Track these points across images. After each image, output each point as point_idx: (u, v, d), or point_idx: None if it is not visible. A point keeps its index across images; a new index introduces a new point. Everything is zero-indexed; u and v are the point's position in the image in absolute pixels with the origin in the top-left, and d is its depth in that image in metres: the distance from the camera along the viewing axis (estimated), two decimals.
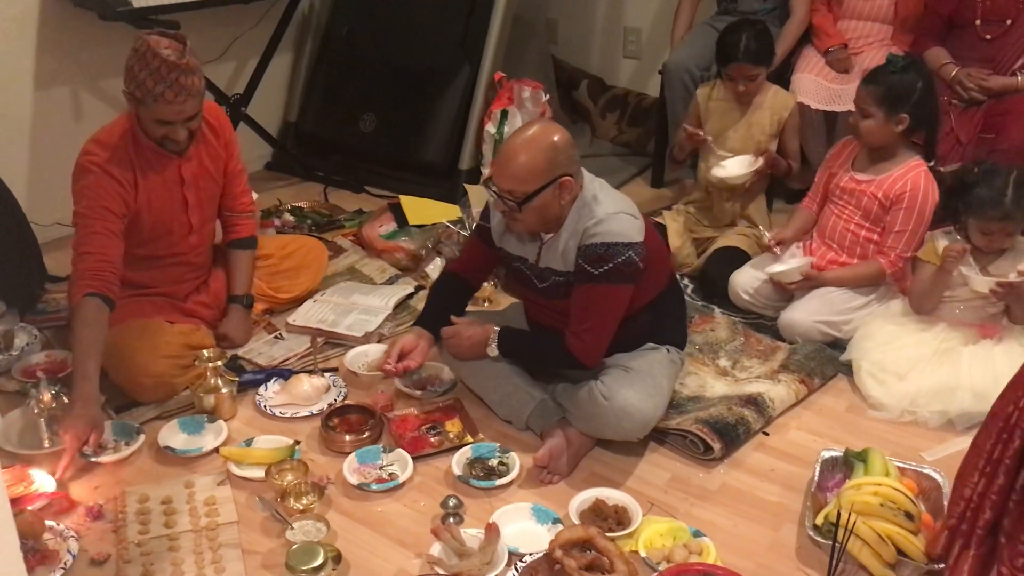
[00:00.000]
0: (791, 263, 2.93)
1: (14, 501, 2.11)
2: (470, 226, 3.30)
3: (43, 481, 2.20)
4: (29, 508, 2.09)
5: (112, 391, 2.55)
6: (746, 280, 3.06)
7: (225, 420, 2.48)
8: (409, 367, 2.45)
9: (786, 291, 2.96)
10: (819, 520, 2.07)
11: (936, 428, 2.51)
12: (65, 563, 1.99)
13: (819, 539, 2.03)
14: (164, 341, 2.56)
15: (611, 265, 2.19)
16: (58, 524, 2.09)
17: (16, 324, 2.80)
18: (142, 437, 2.38)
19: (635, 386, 2.26)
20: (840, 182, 2.93)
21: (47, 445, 2.35)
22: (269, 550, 2.06)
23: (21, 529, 1.99)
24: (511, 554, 2.01)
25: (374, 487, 2.24)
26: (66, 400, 2.36)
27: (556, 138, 2.18)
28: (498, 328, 2.38)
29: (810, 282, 2.89)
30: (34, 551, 1.98)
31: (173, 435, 2.41)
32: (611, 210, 2.23)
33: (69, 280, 2.53)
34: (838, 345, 2.82)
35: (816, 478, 2.24)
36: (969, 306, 2.65)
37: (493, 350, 2.37)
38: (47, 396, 2.33)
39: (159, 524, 2.12)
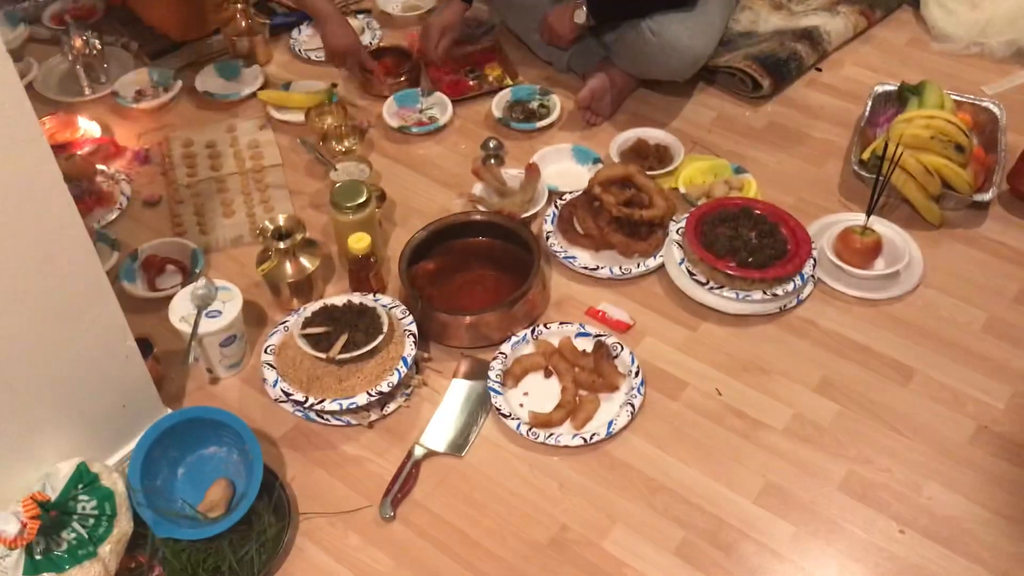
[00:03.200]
0: None
1: (62, 146, 2.16)
2: None
3: (88, 127, 2.22)
4: (78, 153, 2.13)
5: (144, 37, 2.50)
6: None
7: (261, 64, 2.43)
8: (447, 47, 2.35)
9: None
10: (866, 155, 2.03)
11: (1001, 60, 2.37)
12: (120, 204, 2.06)
13: (864, 174, 2.01)
14: None
15: None
16: (108, 168, 2.14)
17: None
18: (179, 83, 2.36)
19: (686, 22, 2.12)
20: None
21: (88, 92, 2.35)
22: (316, 191, 2.10)
23: (73, 172, 2.05)
24: (551, 192, 2.03)
25: (414, 130, 2.22)
26: (99, 45, 2.32)
27: None
28: None
29: None
30: (89, 192, 2.04)
31: (211, 79, 2.38)
32: None
33: None
34: None
35: (867, 113, 2.17)
36: None
37: (581, 15, 2.14)
38: (79, 42, 2.28)
39: (205, 167, 2.15)
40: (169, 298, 1.68)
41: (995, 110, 2.11)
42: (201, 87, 2.34)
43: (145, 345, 1.68)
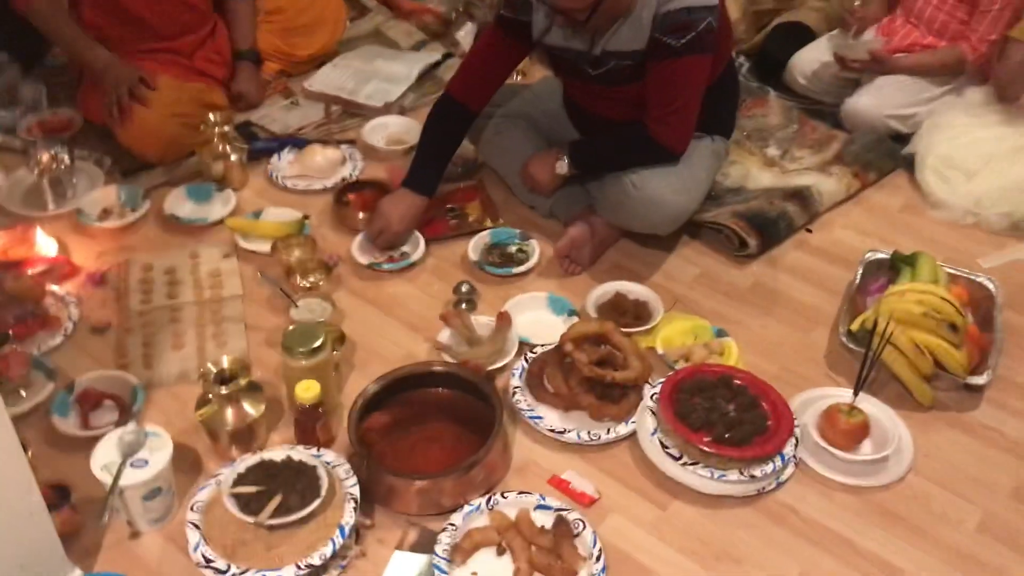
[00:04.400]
0: (861, 40, 2.62)
1: (14, 263, 2.06)
2: None
3: (45, 244, 2.13)
4: (29, 272, 2.03)
5: (119, 153, 2.43)
6: (807, 61, 2.77)
7: (235, 189, 2.36)
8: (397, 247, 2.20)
9: (850, 76, 2.67)
10: (855, 326, 1.92)
11: (998, 232, 2.30)
12: (66, 329, 1.94)
13: (852, 346, 1.90)
14: (175, 99, 2.40)
15: (694, 33, 1.91)
16: (60, 289, 2.04)
17: (21, 78, 2.65)
18: (147, 203, 2.28)
19: (670, 176, 2.06)
20: None
21: (51, 207, 2.27)
22: (274, 326, 1.99)
23: (21, 292, 1.95)
24: (522, 344, 1.92)
25: (385, 266, 2.13)
26: (68, 161, 2.26)
27: None
28: (564, 146, 2.13)
29: (880, 66, 2.59)
30: (34, 315, 1.93)
31: (180, 203, 2.30)
32: None
33: None
34: (901, 139, 2.56)
35: (858, 281, 2.08)
36: None
37: (563, 166, 2.10)
38: (45, 157, 2.21)
39: (162, 294, 2.05)
40: (100, 438, 1.55)
41: (991, 286, 2.03)
42: (168, 210, 2.25)
43: (62, 492, 1.53)
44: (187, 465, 1.68)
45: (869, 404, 1.77)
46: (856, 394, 1.75)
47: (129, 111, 2.31)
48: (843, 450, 1.70)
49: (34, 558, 1.35)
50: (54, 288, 2.03)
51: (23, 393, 1.77)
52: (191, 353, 1.91)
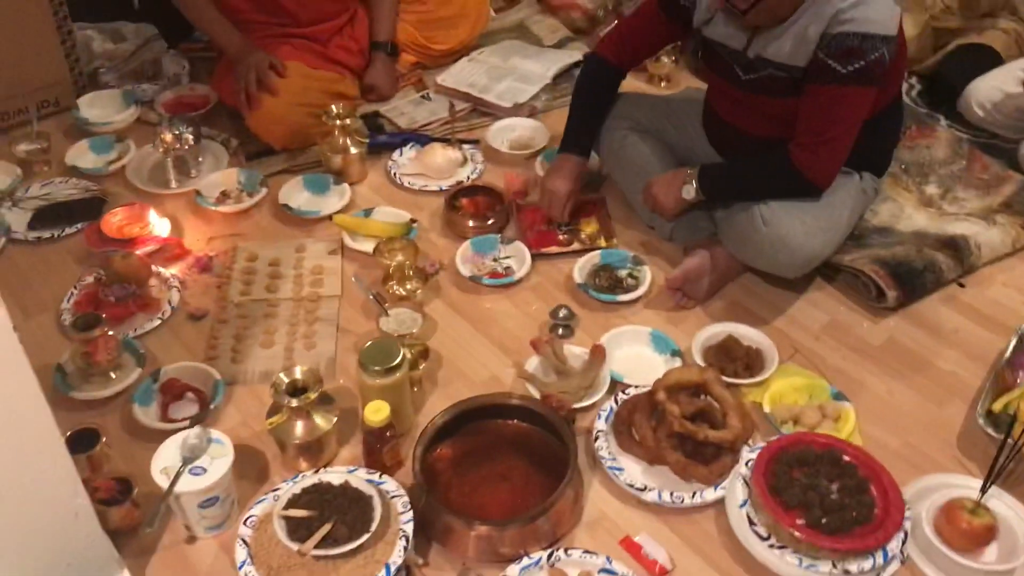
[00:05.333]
0: None
1: (128, 242, 2.09)
2: None
3: (158, 224, 2.15)
4: (138, 252, 2.05)
5: (246, 136, 2.44)
6: (988, 90, 2.47)
7: (352, 183, 2.33)
8: (572, 210, 2.15)
9: None
10: (997, 406, 1.69)
11: None
12: (163, 313, 1.95)
13: (990, 430, 1.66)
14: (303, 87, 2.38)
15: (863, 63, 1.73)
16: (166, 270, 2.05)
17: (165, 51, 2.70)
18: (265, 190, 2.27)
19: (807, 215, 1.86)
20: None
21: (173, 186, 2.30)
22: (366, 332, 1.93)
23: (127, 272, 1.97)
24: (615, 382, 1.78)
25: (485, 281, 2.04)
26: (191, 140, 2.28)
27: None
28: (694, 168, 1.98)
29: None
30: (136, 296, 1.95)
31: (296, 193, 2.28)
32: None
33: None
34: None
35: (1009, 352, 1.82)
36: None
37: (690, 191, 1.96)
38: (168, 136, 2.24)
39: (262, 287, 2.03)
40: (178, 431, 1.54)
41: None
42: (283, 199, 2.24)
43: (125, 487, 1.53)
44: (254, 472, 1.65)
45: (1000, 502, 1.54)
46: (985, 489, 1.53)
47: (257, 98, 2.30)
48: (962, 553, 1.48)
49: (80, 557, 1.34)
50: (160, 270, 2.05)
51: (113, 375, 1.78)
52: (279, 352, 1.88)
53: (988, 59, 2.58)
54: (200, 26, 2.52)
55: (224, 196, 2.26)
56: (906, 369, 1.87)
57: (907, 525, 1.50)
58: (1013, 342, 1.84)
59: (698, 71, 2.71)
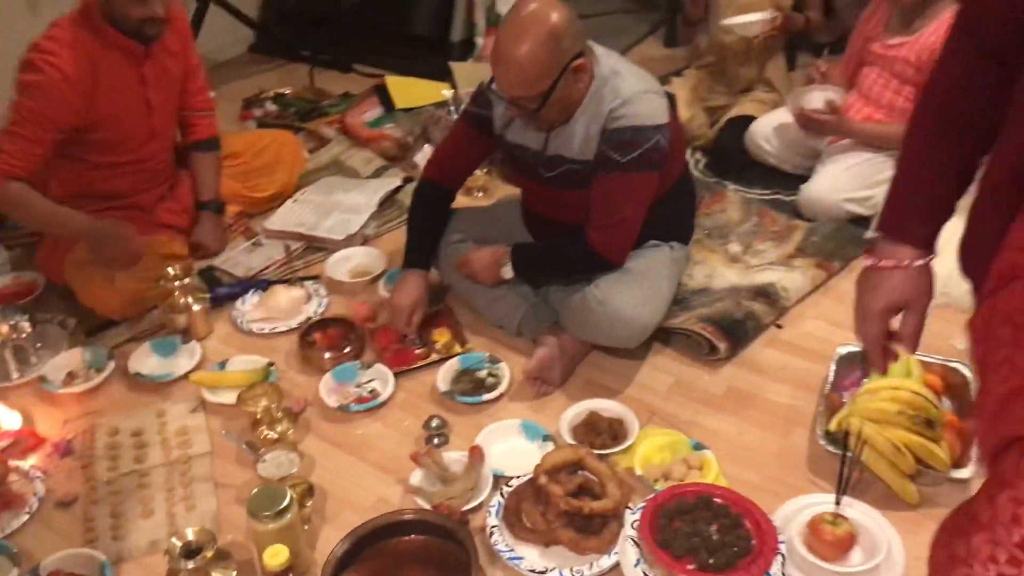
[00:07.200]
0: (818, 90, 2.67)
1: None
2: (457, 109, 3.05)
3: (8, 417, 2.09)
4: None
5: (81, 313, 2.42)
6: (765, 124, 2.84)
7: (200, 339, 2.34)
8: (418, 322, 2.25)
9: (810, 132, 2.70)
10: (832, 426, 1.89)
11: (968, 310, 2.28)
12: (31, 507, 1.89)
13: (831, 448, 1.86)
14: None
15: (640, 151, 1.96)
16: (24, 463, 2.00)
17: None
18: (113, 363, 2.25)
19: (632, 290, 2.06)
20: (873, 47, 2.62)
21: (15, 377, 2.24)
22: (244, 482, 1.94)
23: None
24: (497, 477, 1.88)
25: (353, 407, 2.10)
26: (28, 328, 2.24)
27: (554, 18, 1.87)
28: (508, 248, 2.17)
29: (837, 123, 2.61)
30: None
31: (145, 359, 2.28)
32: (637, 88, 1.98)
33: None
34: (862, 222, 2.57)
35: (831, 377, 2.05)
36: None
37: (508, 271, 2.15)
38: (4, 328, 2.19)
39: (129, 459, 2.01)
40: None
41: (966, 371, 2.00)
42: (133, 368, 2.23)
43: None
44: None
45: (854, 509, 1.73)
46: (838, 501, 1.71)
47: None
48: (832, 562, 1.64)
49: None
50: (18, 463, 1.99)
51: None
52: (161, 520, 1.86)
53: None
54: (38, 224, 2.42)
55: (71, 377, 2.22)
56: (749, 410, 2.06)
57: (782, 548, 1.65)
58: (833, 367, 2.07)
59: (507, 177, 2.91)
